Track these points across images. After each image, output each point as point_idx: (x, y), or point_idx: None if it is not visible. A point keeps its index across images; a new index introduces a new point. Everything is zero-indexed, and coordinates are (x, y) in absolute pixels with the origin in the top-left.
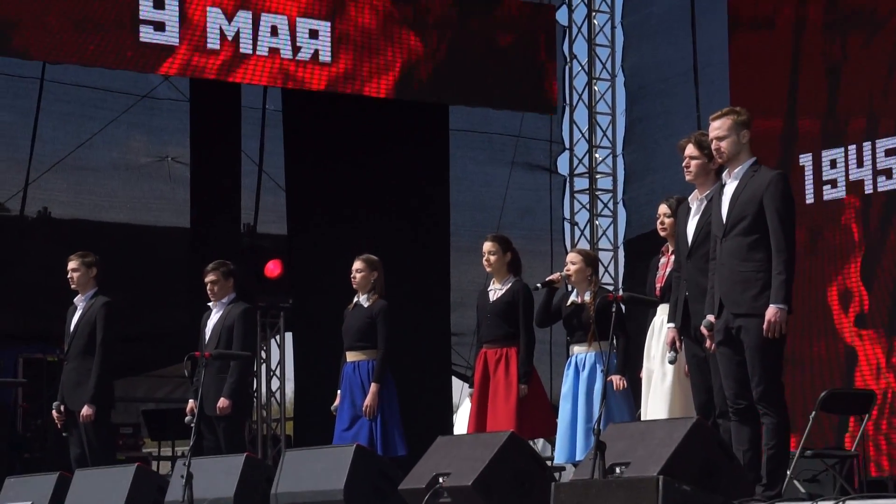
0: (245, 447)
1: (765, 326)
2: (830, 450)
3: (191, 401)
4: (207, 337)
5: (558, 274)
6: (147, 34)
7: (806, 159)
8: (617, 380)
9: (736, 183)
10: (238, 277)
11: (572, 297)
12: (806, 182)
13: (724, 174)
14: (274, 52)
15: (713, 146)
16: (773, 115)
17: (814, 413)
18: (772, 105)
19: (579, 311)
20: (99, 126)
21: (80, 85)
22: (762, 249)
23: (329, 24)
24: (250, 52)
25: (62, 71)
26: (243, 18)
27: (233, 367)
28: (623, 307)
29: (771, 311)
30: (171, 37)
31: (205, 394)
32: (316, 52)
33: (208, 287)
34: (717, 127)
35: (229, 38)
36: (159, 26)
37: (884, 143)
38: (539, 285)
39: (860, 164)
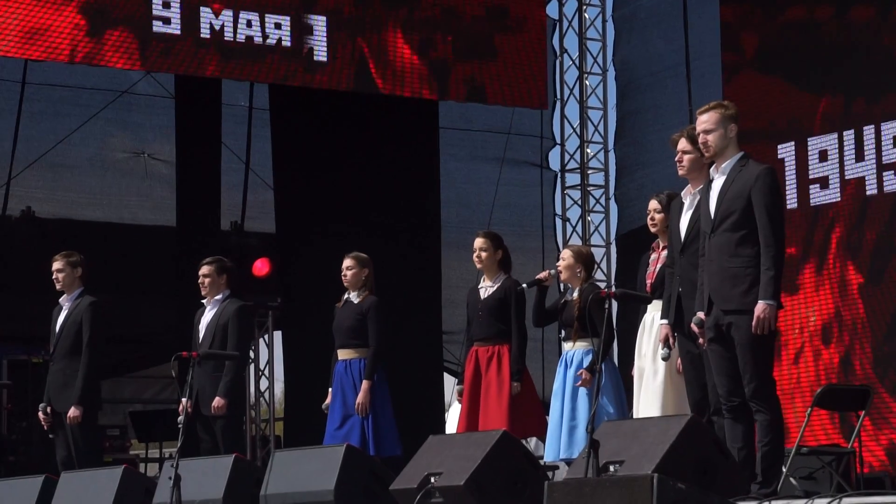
0: (244, 446)
1: (754, 323)
2: (826, 446)
3: (183, 400)
4: (201, 335)
5: (546, 272)
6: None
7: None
8: (584, 374)
9: (724, 178)
10: (233, 275)
11: (567, 295)
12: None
13: (712, 169)
14: (261, 48)
15: (700, 140)
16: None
17: (810, 409)
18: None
19: (568, 307)
20: (77, 123)
21: (57, 85)
22: (751, 245)
23: (324, 18)
24: (237, 48)
25: (42, 70)
26: (228, 15)
27: (228, 365)
28: (615, 303)
29: (760, 308)
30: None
31: (200, 393)
32: (311, 51)
33: (200, 280)
34: (705, 121)
35: (217, 31)
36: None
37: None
38: (525, 285)
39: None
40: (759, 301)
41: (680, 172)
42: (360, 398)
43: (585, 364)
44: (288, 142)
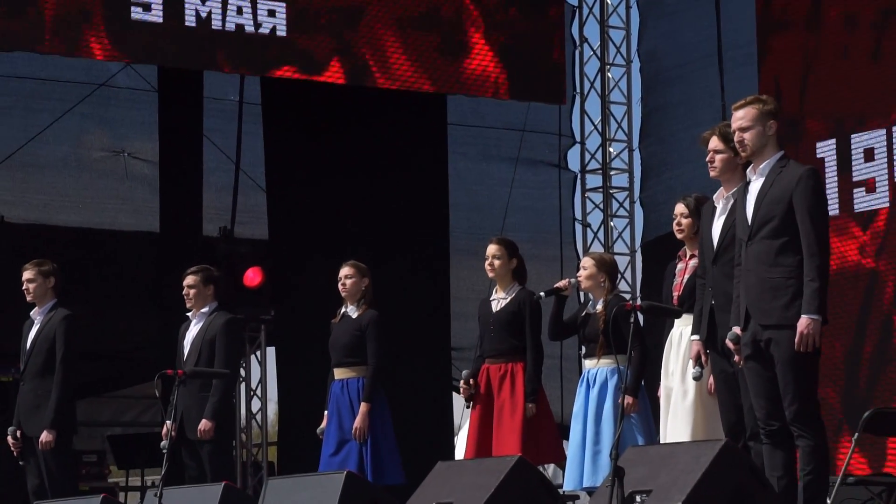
0: (234, 473)
1: (797, 339)
2: (876, 476)
3: (167, 423)
4: (186, 351)
5: (566, 281)
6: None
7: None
8: (629, 402)
9: (762, 180)
10: (220, 285)
11: (588, 307)
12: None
13: (748, 170)
14: (253, 37)
15: (736, 138)
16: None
17: (857, 435)
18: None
19: (590, 321)
20: (50, 119)
21: (28, 77)
22: (792, 253)
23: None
24: (227, 37)
25: (11, 61)
26: (216, 1)
27: (215, 384)
28: (641, 317)
29: (803, 323)
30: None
31: (185, 415)
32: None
33: (184, 291)
34: (741, 117)
35: (203, 19)
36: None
37: None
38: (542, 294)
39: None
40: (803, 315)
41: (711, 174)
42: (357, 422)
43: (611, 385)
44: (282, 140)
